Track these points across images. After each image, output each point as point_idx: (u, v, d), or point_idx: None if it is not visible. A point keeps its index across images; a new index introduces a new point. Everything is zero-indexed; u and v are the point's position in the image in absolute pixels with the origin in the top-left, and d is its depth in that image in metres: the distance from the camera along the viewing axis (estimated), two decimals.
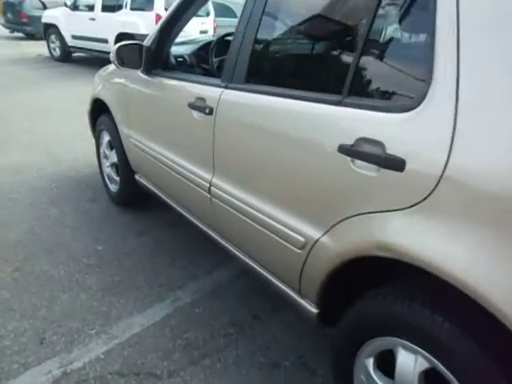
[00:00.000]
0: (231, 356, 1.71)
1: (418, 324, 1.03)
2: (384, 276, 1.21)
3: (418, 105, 1.01)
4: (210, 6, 7.95)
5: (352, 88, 1.20)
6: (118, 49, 2.10)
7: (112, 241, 2.50)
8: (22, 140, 4.09)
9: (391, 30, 1.23)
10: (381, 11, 1.16)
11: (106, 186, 3.00)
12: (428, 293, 1.07)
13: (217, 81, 1.72)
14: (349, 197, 1.17)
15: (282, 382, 1.61)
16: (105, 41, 7.84)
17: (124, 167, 2.66)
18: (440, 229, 0.96)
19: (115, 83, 2.57)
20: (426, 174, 0.97)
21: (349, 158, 1.14)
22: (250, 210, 1.54)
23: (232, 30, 1.86)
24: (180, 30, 2.17)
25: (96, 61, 8.65)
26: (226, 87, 1.64)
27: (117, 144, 2.65)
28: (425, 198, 0.98)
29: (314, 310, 1.40)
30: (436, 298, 1.05)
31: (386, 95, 1.16)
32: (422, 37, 1.08)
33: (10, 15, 12.13)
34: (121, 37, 7.48)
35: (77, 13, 8.36)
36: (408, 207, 1.02)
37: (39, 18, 9.49)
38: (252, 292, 2.09)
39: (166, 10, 7.20)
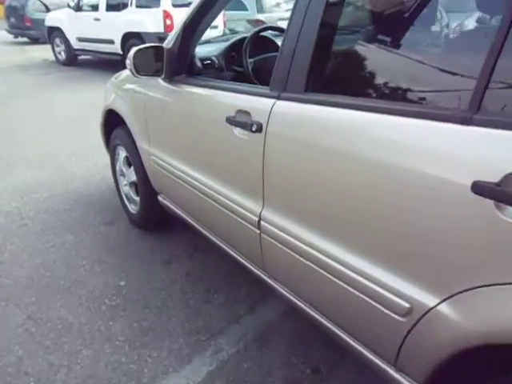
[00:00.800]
0: None
1: None
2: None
3: None
4: None
5: (487, 101, 0.84)
6: (135, 54, 1.75)
7: (136, 273, 2.18)
8: (31, 154, 3.79)
9: None
10: None
11: (124, 206, 2.67)
12: None
13: (264, 89, 1.37)
14: (490, 257, 0.82)
15: None
16: (111, 42, 7.49)
17: (144, 187, 2.33)
18: None
19: (131, 92, 2.22)
20: None
21: (493, 203, 0.79)
22: (321, 256, 1.19)
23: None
24: (206, 27, 1.82)
25: (103, 63, 8.36)
26: (279, 97, 1.29)
27: (135, 161, 2.32)
28: None
29: None
30: None
31: None
32: None
33: (13, 20, 11.90)
34: (127, 36, 7.20)
35: (81, 14, 8.03)
36: None
37: (42, 21, 9.20)
38: (306, 335, 1.76)
39: (174, 6, 6.85)
